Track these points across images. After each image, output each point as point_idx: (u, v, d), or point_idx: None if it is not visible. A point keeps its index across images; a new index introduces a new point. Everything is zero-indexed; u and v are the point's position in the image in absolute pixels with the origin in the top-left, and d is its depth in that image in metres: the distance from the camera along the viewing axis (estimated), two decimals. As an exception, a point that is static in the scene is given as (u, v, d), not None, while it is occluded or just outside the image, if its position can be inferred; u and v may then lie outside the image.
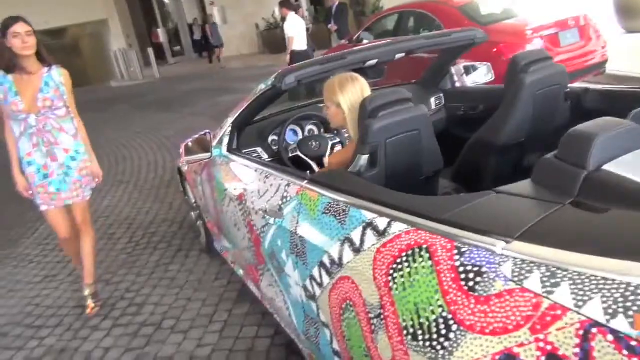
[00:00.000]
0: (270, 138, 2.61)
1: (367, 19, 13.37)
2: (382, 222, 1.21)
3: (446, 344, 0.96)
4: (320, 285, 1.46)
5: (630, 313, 0.73)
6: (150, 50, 16.07)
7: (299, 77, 1.95)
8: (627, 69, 5.79)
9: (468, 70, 3.15)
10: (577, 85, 2.12)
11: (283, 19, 7.56)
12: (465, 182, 2.16)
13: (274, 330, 2.49)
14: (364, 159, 1.63)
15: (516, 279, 0.88)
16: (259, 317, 2.63)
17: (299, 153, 2.39)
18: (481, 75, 3.38)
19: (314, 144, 2.40)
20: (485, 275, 0.93)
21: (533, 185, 1.13)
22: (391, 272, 1.13)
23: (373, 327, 1.19)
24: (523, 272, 0.88)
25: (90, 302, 2.92)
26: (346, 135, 2.60)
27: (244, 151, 2.43)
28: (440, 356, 0.97)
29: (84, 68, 19.06)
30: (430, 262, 1.04)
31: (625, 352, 0.71)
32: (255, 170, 1.98)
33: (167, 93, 12.75)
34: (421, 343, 1.02)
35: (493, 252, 0.95)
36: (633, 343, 0.71)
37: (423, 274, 1.05)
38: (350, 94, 1.73)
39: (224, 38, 16.39)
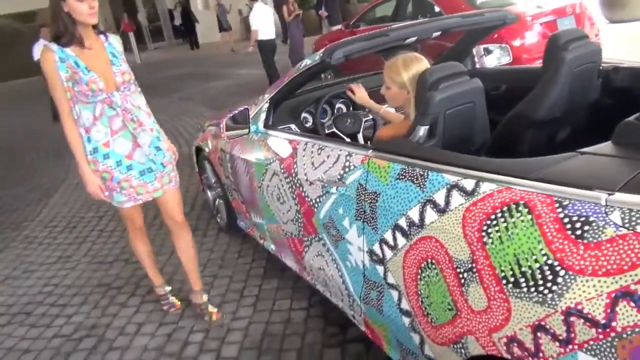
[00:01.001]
0: (302, 115, 2.65)
1: (353, 5, 13.42)
2: (468, 184, 1.28)
3: (554, 287, 1.04)
4: (394, 247, 1.52)
5: None
6: (131, 35, 15.72)
7: (346, 52, 1.99)
8: (616, 57, 6.01)
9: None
10: (606, 64, 2.22)
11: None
12: (499, 155, 2.25)
13: (307, 302, 2.56)
14: (424, 129, 1.69)
15: (627, 225, 0.96)
16: (289, 291, 2.69)
17: (335, 129, 2.44)
18: (493, 58, 3.49)
19: (348, 120, 2.45)
20: (593, 224, 1.01)
21: (614, 146, 1.21)
22: (484, 227, 1.21)
23: (463, 280, 1.26)
24: (634, 219, 0.96)
25: (211, 308, 2.55)
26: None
27: (278, 128, 2.47)
28: (548, 299, 1.05)
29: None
30: (529, 216, 1.12)
31: None
32: (306, 144, 2.03)
33: (152, 78, 12.56)
34: (525, 289, 1.10)
35: (597, 203, 1.03)
36: None
37: (522, 227, 1.13)
38: (416, 73, 1.76)
39: (207, 23, 16.17)
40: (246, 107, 2.44)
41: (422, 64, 1.81)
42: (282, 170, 2.14)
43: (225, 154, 2.83)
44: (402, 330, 1.61)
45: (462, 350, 1.33)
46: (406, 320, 1.58)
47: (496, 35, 4.83)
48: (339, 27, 8.22)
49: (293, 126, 2.59)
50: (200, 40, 17.85)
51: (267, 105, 2.41)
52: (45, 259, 3.54)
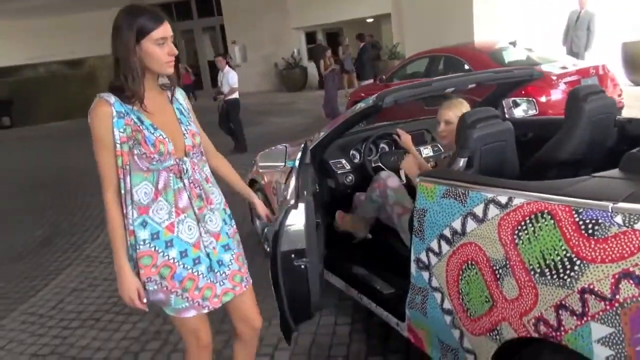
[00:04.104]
0: (351, 152, 3.04)
1: (384, 62, 14.16)
2: (503, 199, 1.61)
3: (572, 274, 1.34)
4: (439, 254, 1.84)
5: None
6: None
7: (396, 97, 2.37)
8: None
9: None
10: (622, 116, 2.56)
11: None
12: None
13: (350, 319, 2.83)
14: (463, 161, 2.04)
15: (627, 224, 1.27)
16: (333, 309, 2.97)
17: (380, 164, 2.82)
18: (520, 110, 3.87)
19: (392, 157, 2.84)
20: (602, 224, 1.32)
21: (621, 172, 1.53)
22: (516, 232, 1.52)
23: (498, 275, 1.57)
24: (632, 220, 1.27)
25: None
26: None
27: (330, 161, 2.86)
28: (567, 283, 1.35)
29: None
30: (552, 221, 1.43)
31: None
32: None
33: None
34: (549, 277, 1.40)
35: (605, 210, 1.34)
36: None
37: (546, 229, 1.44)
38: (459, 113, 2.17)
39: (242, 76, 17.11)
40: (285, 145, 2.86)
41: (464, 106, 2.19)
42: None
43: (280, 185, 3.21)
44: (443, 328, 1.89)
45: (498, 337, 1.61)
46: (447, 319, 1.86)
47: (523, 92, 5.25)
48: (369, 81, 8.83)
49: (344, 161, 2.97)
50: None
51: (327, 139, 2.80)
52: (108, 275, 3.90)
